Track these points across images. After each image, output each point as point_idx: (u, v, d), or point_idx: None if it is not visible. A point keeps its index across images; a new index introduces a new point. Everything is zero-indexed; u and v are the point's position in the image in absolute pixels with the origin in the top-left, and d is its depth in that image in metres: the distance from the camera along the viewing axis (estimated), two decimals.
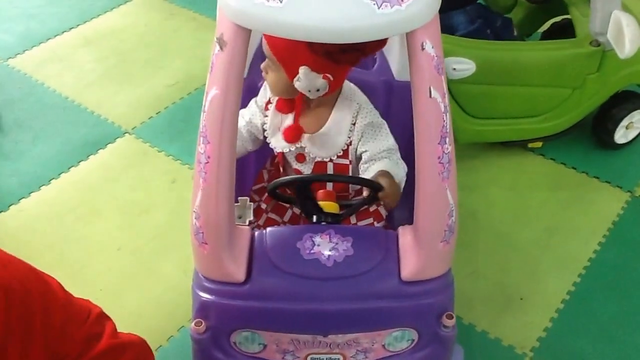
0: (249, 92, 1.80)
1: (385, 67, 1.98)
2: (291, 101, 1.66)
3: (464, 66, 2.30)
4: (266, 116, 1.74)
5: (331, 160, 1.69)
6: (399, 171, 1.62)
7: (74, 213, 2.43)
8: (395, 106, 1.92)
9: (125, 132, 2.77)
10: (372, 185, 1.53)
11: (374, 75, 1.95)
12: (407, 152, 1.86)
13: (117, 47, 3.25)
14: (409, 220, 1.46)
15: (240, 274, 1.42)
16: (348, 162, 1.70)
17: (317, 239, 1.45)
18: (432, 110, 1.30)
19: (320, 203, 1.58)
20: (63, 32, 3.34)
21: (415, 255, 1.42)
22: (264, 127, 1.75)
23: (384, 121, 1.71)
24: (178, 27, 3.40)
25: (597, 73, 2.39)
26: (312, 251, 1.43)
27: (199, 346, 1.50)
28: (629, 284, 2.21)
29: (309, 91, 1.57)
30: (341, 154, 1.68)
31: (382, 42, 1.55)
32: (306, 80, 1.53)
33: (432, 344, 1.51)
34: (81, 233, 2.37)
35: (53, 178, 2.57)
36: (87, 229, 2.38)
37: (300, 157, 1.73)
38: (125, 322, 2.05)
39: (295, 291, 1.42)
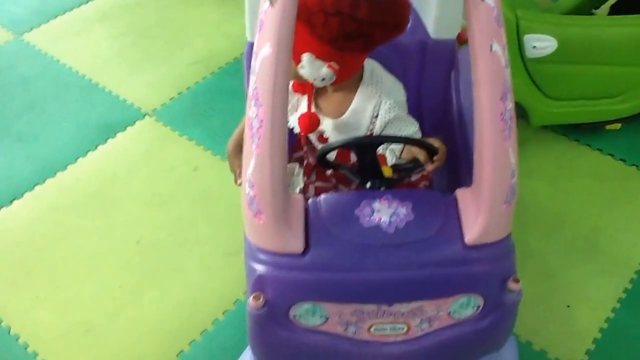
0: None
1: (419, 27, 1.86)
2: (305, 84, 1.60)
3: (545, 44, 2.17)
4: None
5: None
6: None
7: (91, 202, 2.30)
8: (430, 67, 1.84)
9: (146, 114, 2.63)
10: (430, 146, 1.47)
11: (407, 36, 1.76)
12: (445, 115, 1.78)
13: (136, 22, 3.10)
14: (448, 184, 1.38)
15: (298, 244, 1.34)
16: None
17: (376, 205, 1.37)
18: (494, 65, 1.25)
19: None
20: (80, 4, 3.19)
21: (478, 218, 1.35)
22: None
23: (407, 112, 1.66)
24: (201, 2, 3.24)
25: None
26: (371, 218, 1.36)
27: (257, 322, 1.41)
28: None
29: (314, 79, 1.51)
30: None
31: (394, 29, 1.48)
32: (310, 67, 1.49)
33: (496, 310, 1.44)
34: (98, 224, 2.24)
35: (70, 163, 2.43)
36: (104, 220, 2.25)
37: (322, 139, 1.66)
38: (145, 326, 1.96)
39: (358, 260, 1.34)
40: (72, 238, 2.19)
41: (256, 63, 1.25)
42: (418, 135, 1.61)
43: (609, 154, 2.46)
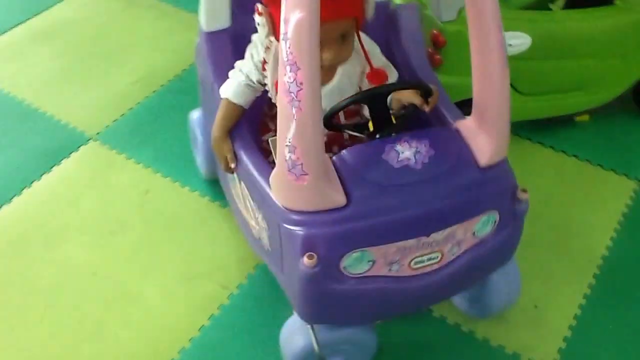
0: (235, 41, 1.87)
1: None
2: None
3: (520, 41, 2.19)
4: (265, 75, 1.71)
5: None
6: None
7: (40, 234, 2.21)
8: (369, 28, 1.82)
9: (90, 139, 2.54)
10: (427, 87, 1.57)
11: None
12: None
13: (73, 41, 3.01)
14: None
15: (342, 198, 1.43)
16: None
17: (399, 148, 1.47)
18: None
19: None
20: (12, 27, 3.08)
21: (488, 141, 1.50)
22: (262, 83, 1.74)
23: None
24: (137, 16, 3.17)
25: None
26: (399, 159, 1.46)
27: (312, 280, 1.47)
28: None
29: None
30: None
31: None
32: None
33: (509, 223, 1.59)
34: (51, 256, 2.14)
35: (15, 195, 2.33)
36: (57, 252, 2.15)
37: None
38: (109, 358, 1.89)
39: (398, 200, 1.44)
40: (24, 275, 2.10)
41: (288, 29, 1.27)
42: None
43: (574, 155, 2.48)
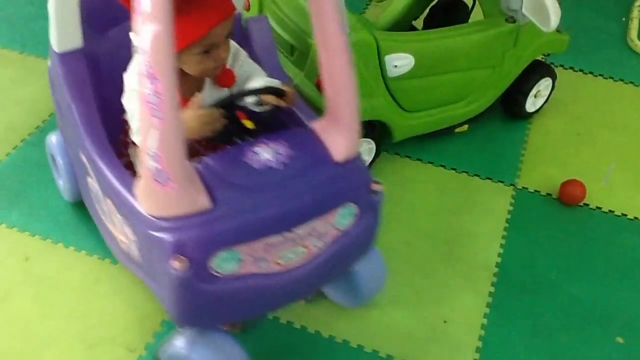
0: (91, 63, 1.95)
1: None
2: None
3: (404, 61, 2.27)
4: None
5: None
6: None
7: None
8: None
9: None
10: (277, 90, 1.71)
11: None
12: None
13: None
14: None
15: (206, 201, 1.50)
16: None
17: (258, 150, 1.57)
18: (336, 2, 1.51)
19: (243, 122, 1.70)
20: None
21: (342, 138, 1.61)
22: None
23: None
24: None
25: (513, 49, 2.49)
26: (260, 161, 1.55)
27: (184, 283, 1.52)
28: (544, 281, 2.19)
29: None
30: None
31: None
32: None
33: (367, 214, 1.71)
34: None
35: None
36: None
37: None
38: None
39: (260, 199, 1.53)
40: None
41: (145, 41, 1.33)
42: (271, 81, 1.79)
43: (452, 168, 2.57)
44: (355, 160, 1.66)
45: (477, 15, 2.73)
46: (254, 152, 1.56)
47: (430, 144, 2.61)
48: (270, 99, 1.71)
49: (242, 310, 1.71)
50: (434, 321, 2.05)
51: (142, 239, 1.63)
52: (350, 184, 1.65)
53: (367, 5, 3.31)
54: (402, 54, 2.26)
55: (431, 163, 2.58)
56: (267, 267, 1.60)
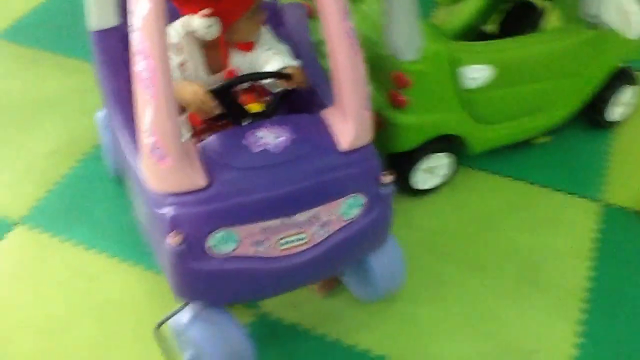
0: (123, 41, 1.86)
1: None
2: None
3: (482, 73, 2.17)
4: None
5: None
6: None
7: None
8: None
9: (16, 224, 2.27)
10: (282, 75, 1.72)
11: None
12: None
13: None
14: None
15: (202, 180, 1.52)
16: None
17: (259, 133, 1.57)
18: None
19: (247, 106, 1.70)
20: None
21: (347, 127, 1.60)
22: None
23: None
24: (43, 75, 2.90)
25: (597, 56, 2.37)
26: (258, 144, 1.55)
27: (179, 258, 1.55)
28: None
29: (203, 33, 1.74)
30: None
31: None
32: (184, 25, 1.77)
33: (376, 206, 1.68)
34: None
35: None
36: None
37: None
38: None
39: (259, 182, 1.53)
40: None
41: (136, 19, 1.40)
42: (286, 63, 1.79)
43: (531, 182, 2.43)
44: (363, 151, 1.63)
45: (549, 20, 2.61)
46: (256, 135, 1.57)
47: (506, 156, 2.48)
48: (280, 81, 1.73)
49: (242, 290, 1.71)
50: (519, 353, 1.92)
51: (147, 212, 1.68)
52: (356, 174, 1.63)
53: (433, 9, 3.16)
54: (479, 66, 2.15)
55: (509, 177, 2.44)
56: (265, 251, 1.60)
